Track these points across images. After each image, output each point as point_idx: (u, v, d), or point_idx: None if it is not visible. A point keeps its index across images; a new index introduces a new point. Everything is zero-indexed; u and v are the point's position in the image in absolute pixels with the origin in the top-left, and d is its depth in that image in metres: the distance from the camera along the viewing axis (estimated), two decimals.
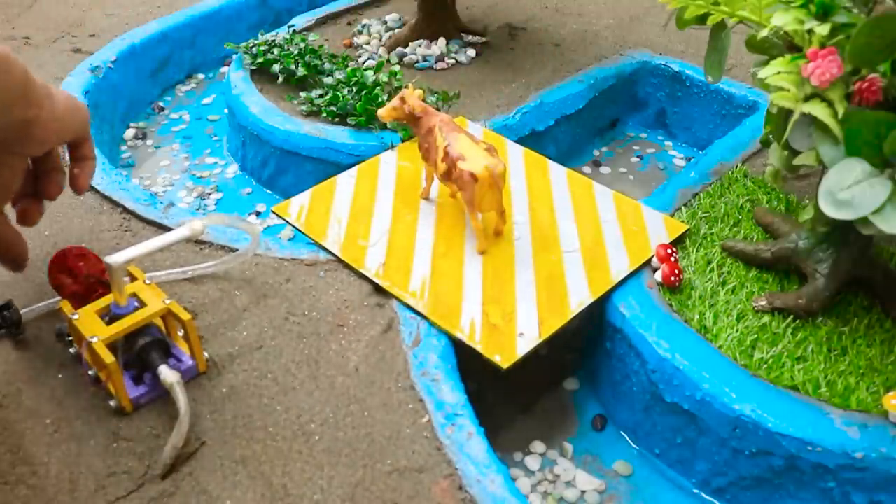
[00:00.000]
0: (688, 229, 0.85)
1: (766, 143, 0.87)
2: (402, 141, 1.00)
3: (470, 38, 1.27)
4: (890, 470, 0.62)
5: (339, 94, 1.03)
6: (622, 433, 0.78)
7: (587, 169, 1.16)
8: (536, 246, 0.83)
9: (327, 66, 1.13)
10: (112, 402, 0.63)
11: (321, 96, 1.06)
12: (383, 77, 1.09)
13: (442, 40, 1.23)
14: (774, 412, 0.65)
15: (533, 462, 0.75)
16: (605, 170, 1.16)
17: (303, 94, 1.08)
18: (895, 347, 0.72)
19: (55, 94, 0.62)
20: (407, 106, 0.84)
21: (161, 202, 0.88)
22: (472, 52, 1.22)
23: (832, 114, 0.61)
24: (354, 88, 1.05)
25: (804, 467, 0.64)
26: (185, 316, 0.64)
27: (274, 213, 0.88)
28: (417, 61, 1.19)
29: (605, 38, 1.29)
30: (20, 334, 0.70)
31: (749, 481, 0.68)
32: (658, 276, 0.78)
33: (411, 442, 0.62)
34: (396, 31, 1.27)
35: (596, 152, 1.19)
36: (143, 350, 0.63)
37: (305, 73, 1.11)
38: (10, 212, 0.67)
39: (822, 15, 0.62)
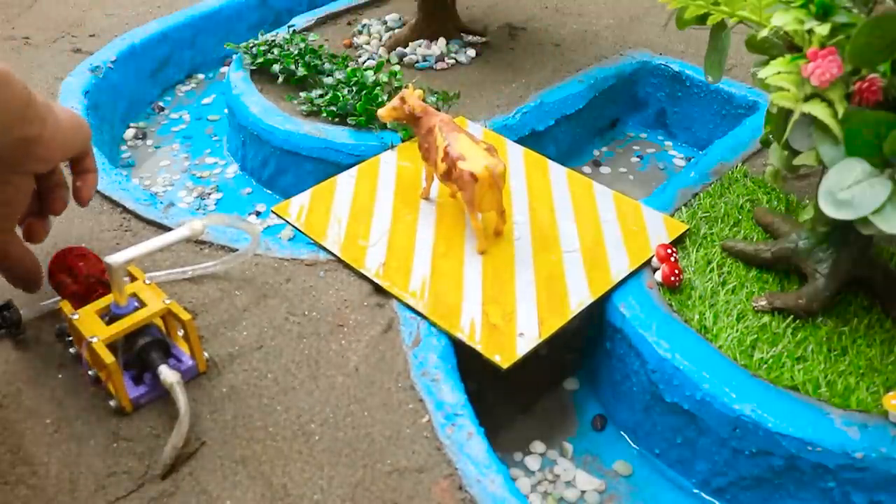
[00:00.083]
0: (688, 229, 0.85)
1: (766, 143, 0.87)
2: (402, 141, 1.00)
3: (470, 38, 1.27)
4: (890, 470, 0.62)
5: (339, 94, 1.03)
6: (622, 433, 0.78)
7: (587, 169, 1.16)
8: (536, 246, 0.83)
9: (327, 66, 1.13)
10: (112, 402, 0.63)
11: (321, 96, 1.06)
12: (383, 77, 1.09)
13: (442, 40, 1.23)
14: (774, 412, 0.65)
15: (533, 462, 0.75)
16: (605, 170, 1.16)
17: (303, 94, 1.08)
18: (895, 347, 0.72)
19: (57, 111, 0.62)
20: (407, 106, 0.84)
21: (161, 202, 0.88)
22: (472, 52, 1.22)
23: (832, 114, 0.61)
24: (354, 88, 1.05)
25: (804, 467, 0.64)
26: (185, 316, 0.64)
27: (274, 213, 0.88)
28: (417, 61, 1.19)
29: (605, 38, 1.29)
30: (20, 334, 0.70)
31: (749, 481, 0.68)
32: (658, 276, 0.78)
33: (411, 442, 0.62)
34: (396, 31, 1.27)
35: (596, 152, 1.19)
36: (143, 350, 0.63)
37: (305, 73, 1.11)
38: (16, 230, 0.67)
39: (822, 15, 0.62)
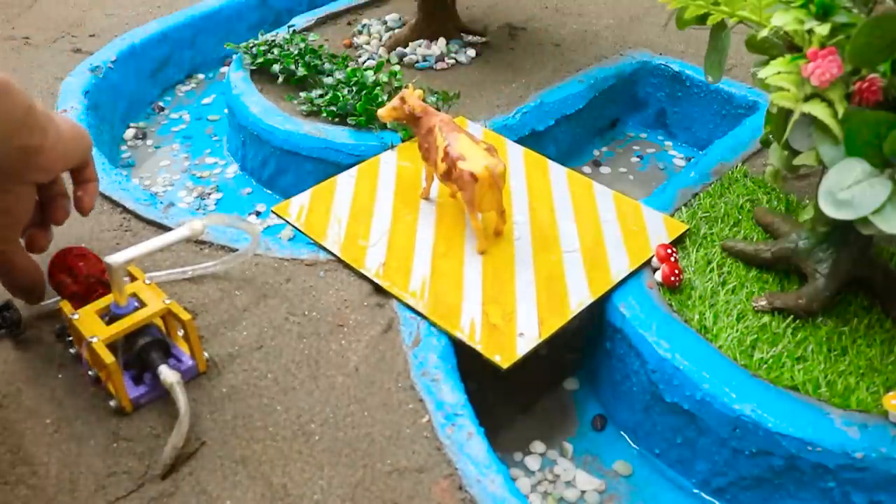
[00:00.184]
0: (688, 229, 0.85)
1: (766, 143, 0.87)
2: (402, 141, 1.00)
3: (470, 38, 1.27)
4: (890, 470, 0.62)
5: (339, 94, 1.03)
6: (622, 433, 0.78)
7: (587, 169, 1.16)
8: (536, 246, 0.83)
9: (327, 66, 1.13)
10: (112, 402, 0.63)
11: (321, 96, 1.06)
12: (383, 77, 1.09)
13: (442, 40, 1.23)
14: (774, 412, 0.65)
15: (533, 462, 0.75)
16: (605, 170, 1.16)
17: (303, 94, 1.08)
18: (895, 347, 0.72)
19: (58, 121, 0.62)
20: (407, 106, 0.84)
21: (161, 202, 0.88)
22: (472, 52, 1.22)
23: (832, 114, 0.61)
24: (354, 88, 1.05)
25: (804, 467, 0.64)
26: (185, 316, 0.64)
27: (274, 213, 0.88)
28: (417, 61, 1.19)
29: (605, 38, 1.29)
30: (20, 334, 0.70)
31: (749, 481, 0.68)
32: (658, 276, 0.78)
33: (411, 442, 0.62)
34: (396, 31, 1.27)
35: (596, 152, 1.19)
36: (143, 350, 0.63)
37: (305, 73, 1.11)
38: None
39: (822, 15, 0.62)
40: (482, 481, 0.58)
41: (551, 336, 0.72)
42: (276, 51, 1.15)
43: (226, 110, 1.18)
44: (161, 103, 1.31)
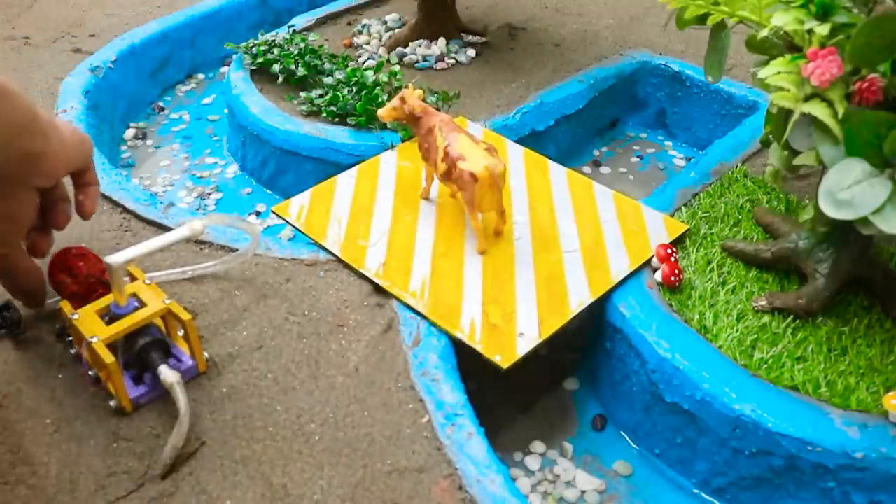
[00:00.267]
0: (688, 229, 0.85)
1: (766, 143, 0.87)
2: (402, 141, 1.00)
3: (470, 38, 1.27)
4: (890, 470, 0.62)
5: (339, 94, 1.03)
6: (622, 433, 0.78)
7: (587, 169, 1.16)
8: (536, 246, 0.83)
9: (327, 66, 1.13)
10: (112, 402, 0.63)
11: (321, 96, 1.06)
12: (383, 77, 1.09)
13: (442, 40, 1.23)
14: (774, 412, 0.65)
15: (533, 462, 0.75)
16: (605, 170, 1.16)
17: (303, 94, 1.08)
18: (895, 347, 0.72)
19: (60, 125, 0.62)
20: (407, 106, 0.84)
21: (161, 202, 0.88)
22: (472, 52, 1.22)
23: (832, 114, 0.61)
24: (354, 88, 1.05)
25: (804, 467, 0.64)
26: (185, 316, 0.64)
27: (274, 213, 0.88)
28: (417, 61, 1.19)
29: (605, 38, 1.29)
30: (20, 334, 0.70)
31: (749, 481, 0.68)
32: (658, 276, 0.78)
33: (411, 442, 0.62)
34: (396, 31, 1.27)
35: (596, 152, 1.19)
36: (143, 350, 0.63)
37: (305, 73, 1.11)
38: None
39: (822, 15, 0.62)
40: (482, 481, 0.58)
41: (551, 336, 0.72)
42: (276, 51, 1.15)
43: (226, 110, 1.18)
44: (161, 103, 1.31)
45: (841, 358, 0.70)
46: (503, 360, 0.69)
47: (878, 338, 0.73)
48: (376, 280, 0.77)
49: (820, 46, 0.62)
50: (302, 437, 0.62)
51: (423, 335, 0.72)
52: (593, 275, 0.79)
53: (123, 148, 1.19)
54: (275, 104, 1.07)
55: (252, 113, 1.06)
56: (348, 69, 1.09)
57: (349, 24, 1.33)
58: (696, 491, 0.72)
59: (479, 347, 0.70)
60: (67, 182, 0.68)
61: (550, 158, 0.98)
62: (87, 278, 0.68)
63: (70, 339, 0.68)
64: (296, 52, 1.14)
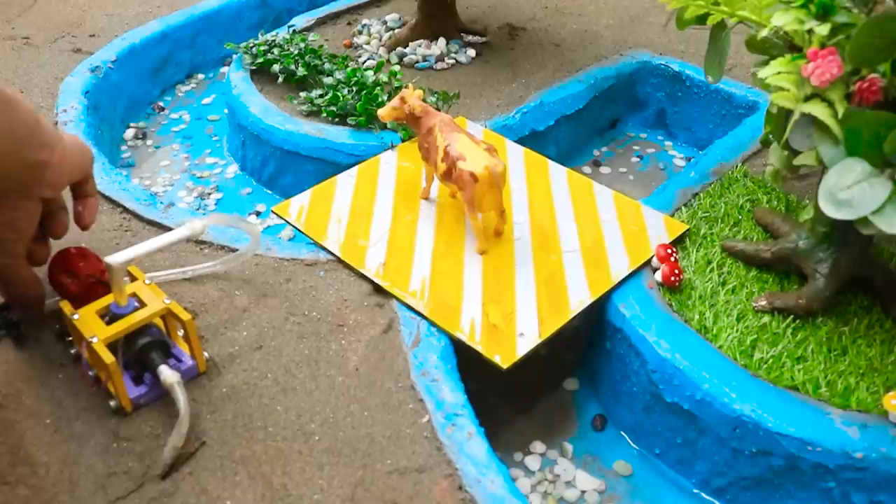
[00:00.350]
0: (688, 229, 0.85)
1: (766, 143, 0.87)
2: (402, 141, 1.00)
3: (470, 38, 1.27)
4: (890, 470, 0.62)
5: (339, 94, 1.03)
6: (622, 433, 0.78)
7: (587, 169, 1.16)
8: (536, 246, 0.83)
9: (327, 66, 1.13)
10: (112, 402, 0.63)
11: (321, 96, 1.06)
12: (383, 77, 1.09)
13: (442, 40, 1.23)
14: (774, 412, 0.65)
15: (533, 462, 0.75)
16: (605, 170, 1.16)
17: (303, 94, 1.08)
18: (895, 347, 0.72)
19: (64, 135, 0.63)
20: (407, 106, 0.84)
21: (161, 202, 0.88)
22: (472, 52, 1.22)
23: (832, 114, 0.61)
24: (354, 88, 1.05)
25: (804, 467, 0.64)
26: (185, 316, 0.64)
27: (274, 213, 0.88)
28: (417, 61, 1.19)
29: (605, 38, 1.29)
30: (20, 334, 0.70)
31: (749, 481, 0.68)
32: (658, 276, 0.78)
33: (411, 442, 0.62)
34: (396, 31, 1.27)
35: (596, 152, 1.19)
36: (143, 350, 0.63)
37: (305, 73, 1.11)
38: None
39: (822, 15, 0.62)
40: (482, 481, 0.58)
41: (551, 336, 0.72)
42: (276, 51, 1.15)
43: (226, 110, 1.18)
44: (161, 103, 1.31)
45: (841, 358, 0.70)
46: (503, 360, 0.69)
47: (878, 338, 0.73)
48: (376, 280, 0.77)
49: (820, 46, 0.62)
50: (302, 437, 0.62)
51: (423, 335, 0.72)
52: (593, 275, 0.79)
53: (123, 148, 1.19)
54: (275, 104, 1.07)
55: (252, 113, 1.06)
56: (348, 69, 1.09)
57: (349, 24, 1.33)
58: (696, 491, 0.72)
59: (479, 347, 0.70)
60: (65, 191, 0.69)
61: (550, 158, 0.98)
62: (87, 278, 0.68)
63: (70, 339, 0.68)
64: (296, 52, 1.14)
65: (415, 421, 0.63)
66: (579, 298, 0.76)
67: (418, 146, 0.85)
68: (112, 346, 0.62)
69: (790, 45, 0.68)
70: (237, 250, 0.79)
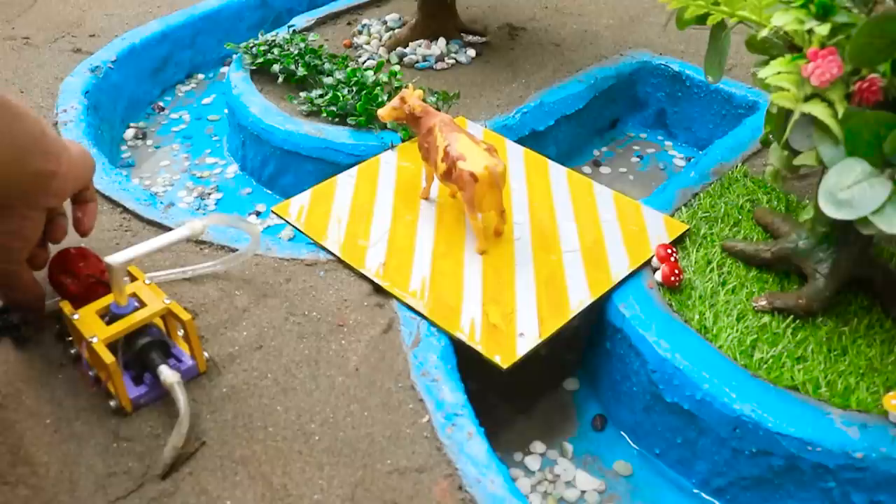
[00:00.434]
0: (688, 229, 0.85)
1: (766, 143, 0.87)
2: (402, 141, 1.00)
3: (470, 38, 1.27)
4: (890, 470, 0.62)
5: (339, 94, 1.03)
6: (622, 433, 0.78)
7: (587, 169, 1.16)
8: (536, 246, 0.83)
9: (327, 66, 1.13)
10: (112, 402, 0.63)
11: (321, 96, 1.06)
12: (383, 77, 1.09)
13: (442, 40, 1.23)
14: (774, 412, 0.65)
15: (533, 462, 0.75)
16: (605, 170, 1.16)
17: (303, 94, 1.08)
18: (895, 347, 0.72)
19: (68, 144, 0.63)
20: (407, 106, 0.84)
21: (161, 202, 0.88)
22: (472, 52, 1.22)
23: (832, 114, 0.61)
24: (354, 88, 1.05)
25: (804, 467, 0.64)
26: (185, 316, 0.64)
27: (274, 213, 0.88)
28: (417, 61, 1.19)
29: (605, 38, 1.29)
30: (20, 335, 0.70)
31: (749, 481, 0.68)
32: (658, 276, 0.78)
33: (411, 442, 0.62)
34: (396, 31, 1.27)
35: (596, 152, 1.19)
36: (143, 350, 0.63)
37: (305, 73, 1.11)
38: None
39: (822, 15, 0.62)
40: (482, 481, 0.58)
41: (551, 336, 0.72)
42: (276, 51, 1.15)
43: (226, 110, 1.18)
44: (161, 103, 1.31)
45: (841, 358, 0.70)
46: (503, 360, 0.69)
47: (878, 338, 0.73)
48: (376, 280, 0.77)
49: (820, 46, 0.62)
50: (302, 437, 0.62)
51: (423, 335, 0.72)
52: (593, 275, 0.79)
53: (123, 148, 1.19)
54: (275, 104, 1.07)
55: (252, 113, 1.06)
56: (348, 69, 1.09)
57: (349, 24, 1.33)
58: (696, 491, 0.72)
59: (479, 347, 0.70)
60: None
61: (550, 158, 0.98)
62: (87, 278, 0.68)
63: (70, 339, 0.68)
64: (296, 52, 1.14)
65: (415, 421, 0.63)
66: (579, 298, 0.76)
67: (418, 146, 0.85)
68: (112, 346, 0.62)
69: (790, 45, 0.68)
70: (237, 250, 0.79)
